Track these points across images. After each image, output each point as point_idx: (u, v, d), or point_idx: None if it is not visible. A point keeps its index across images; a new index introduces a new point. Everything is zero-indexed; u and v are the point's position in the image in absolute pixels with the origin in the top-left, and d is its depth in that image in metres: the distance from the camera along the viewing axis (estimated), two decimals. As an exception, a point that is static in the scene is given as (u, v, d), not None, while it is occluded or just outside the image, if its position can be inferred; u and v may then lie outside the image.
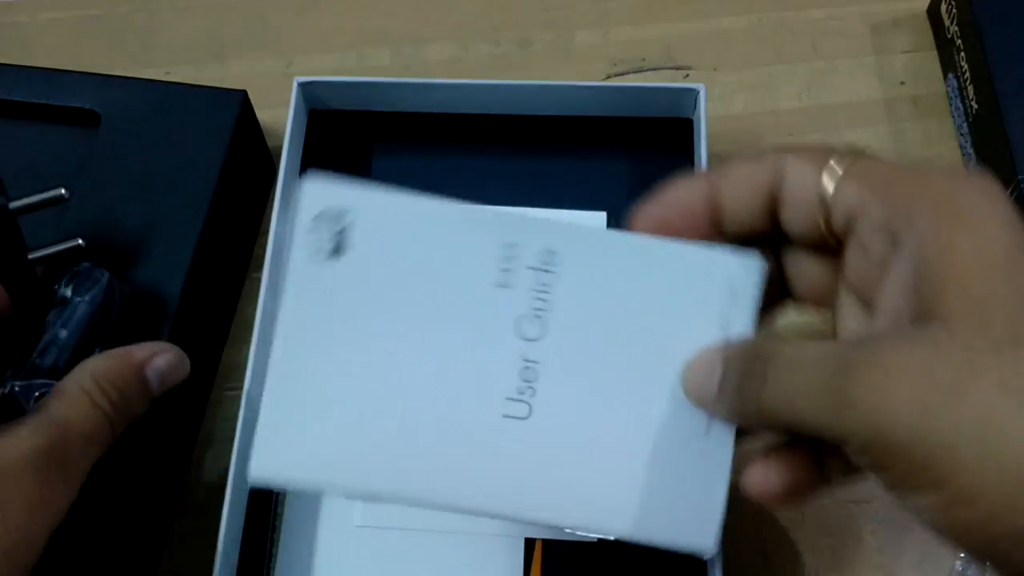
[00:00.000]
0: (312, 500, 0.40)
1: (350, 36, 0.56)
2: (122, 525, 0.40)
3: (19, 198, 0.42)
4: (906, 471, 0.24)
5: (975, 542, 0.24)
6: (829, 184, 0.28)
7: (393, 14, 0.56)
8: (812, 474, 0.30)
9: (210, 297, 0.46)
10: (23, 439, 0.30)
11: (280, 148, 0.45)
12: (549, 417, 0.29)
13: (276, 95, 0.50)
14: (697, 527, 0.30)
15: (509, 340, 0.29)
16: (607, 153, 0.47)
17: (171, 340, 0.40)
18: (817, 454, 0.30)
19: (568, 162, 0.47)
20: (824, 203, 0.28)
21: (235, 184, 0.47)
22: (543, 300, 0.29)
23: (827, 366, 0.26)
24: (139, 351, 0.34)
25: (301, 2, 0.57)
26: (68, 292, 0.41)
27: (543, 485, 0.29)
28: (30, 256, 0.42)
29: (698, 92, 0.47)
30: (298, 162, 0.47)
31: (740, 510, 0.44)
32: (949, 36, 0.52)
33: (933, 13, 0.54)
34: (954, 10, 0.51)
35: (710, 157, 0.47)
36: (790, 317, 0.33)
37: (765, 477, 0.30)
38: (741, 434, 0.30)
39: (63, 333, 0.40)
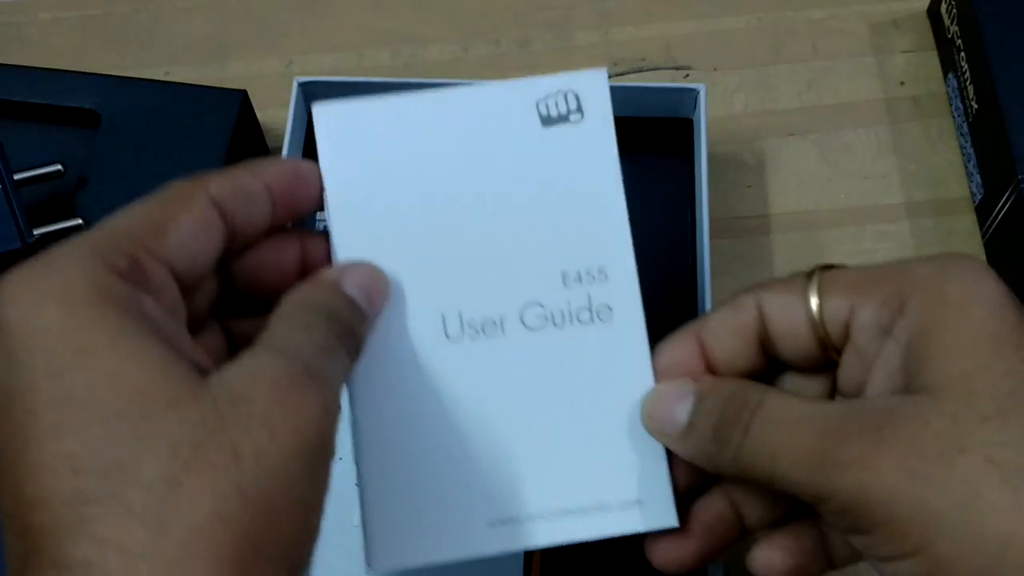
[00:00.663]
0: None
1: (350, 36, 0.56)
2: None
3: (19, 171, 0.43)
4: (887, 535, 0.24)
5: None
6: (814, 305, 0.28)
7: (393, 14, 0.56)
8: (817, 556, 0.30)
9: (210, 297, 0.46)
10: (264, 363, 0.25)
11: (280, 148, 0.45)
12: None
13: (276, 95, 0.50)
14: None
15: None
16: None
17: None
18: (821, 534, 0.30)
19: (568, 162, 0.47)
20: (815, 324, 0.28)
21: (235, 184, 0.47)
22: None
23: (815, 427, 0.26)
24: (328, 273, 0.29)
25: (301, 2, 0.57)
26: None
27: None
28: (34, 232, 0.43)
29: (698, 92, 0.47)
30: (298, 162, 0.47)
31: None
32: (949, 36, 0.52)
33: (933, 13, 0.54)
34: (954, 10, 0.51)
35: (710, 157, 0.47)
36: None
37: (769, 558, 0.30)
38: (704, 476, 0.30)
39: None
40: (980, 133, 0.48)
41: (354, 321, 0.28)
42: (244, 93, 0.47)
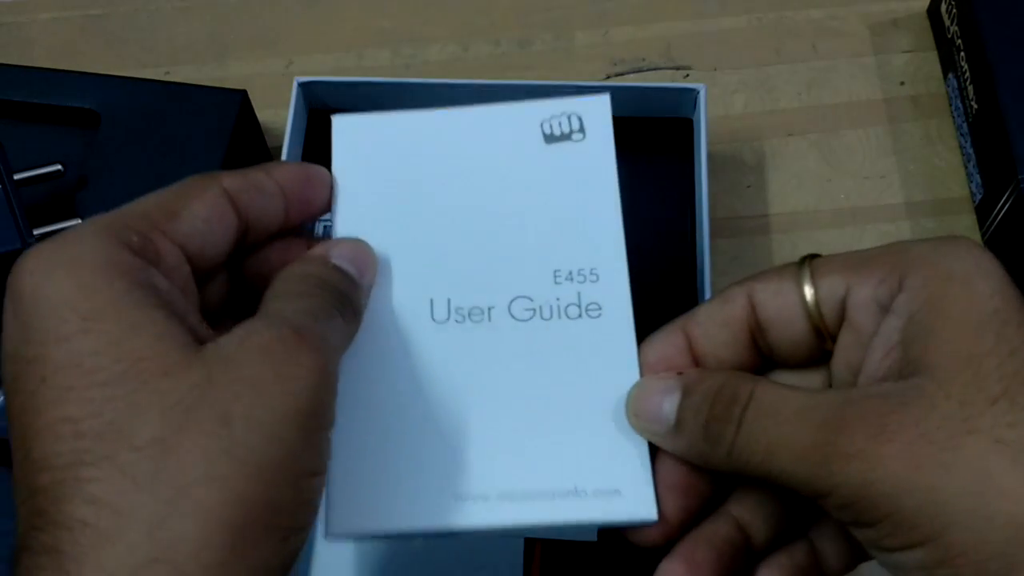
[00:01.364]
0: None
1: (350, 36, 0.56)
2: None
3: (19, 171, 0.43)
4: (894, 527, 0.24)
5: None
6: (808, 288, 0.28)
7: (393, 14, 0.56)
8: (810, 571, 0.29)
9: (210, 297, 0.46)
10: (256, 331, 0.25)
11: (280, 148, 0.45)
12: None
13: (276, 95, 0.50)
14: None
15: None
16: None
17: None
18: (813, 550, 0.29)
19: (568, 162, 0.47)
20: (809, 309, 0.28)
21: (235, 184, 0.47)
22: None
23: (813, 418, 0.25)
24: (316, 248, 0.30)
25: (301, 2, 0.57)
26: None
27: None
28: (33, 233, 0.43)
29: (698, 92, 0.47)
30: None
31: (740, 510, 0.44)
32: (949, 36, 0.52)
33: (933, 13, 0.54)
34: (954, 10, 0.51)
35: (710, 157, 0.47)
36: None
37: None
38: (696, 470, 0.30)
39: None
40: (980, 133, 0.48)
41: (346, 287, 0.29)
42: (244, 93, 0.47)
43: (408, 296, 0.31)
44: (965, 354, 0.24)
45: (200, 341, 0.25)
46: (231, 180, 0.29)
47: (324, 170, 0.32)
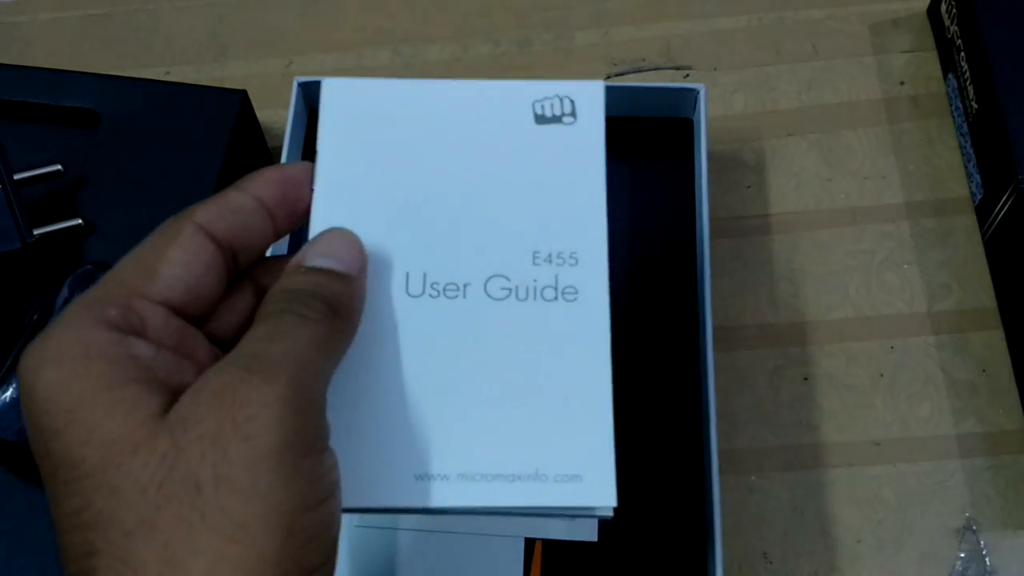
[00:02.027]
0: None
1: (350, 36, 0.56)
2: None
3: (19, 171, 0.43)
4: None
5: None
6: None
7: (393, 14, 0.56)
8: None
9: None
10: (267, 421, 0.24)
11: (280, 148, 0.45)
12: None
13: (276, 95, 0.50)
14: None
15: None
16: (607, 153, 0.47)
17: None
18: None
19: (568, 162, 0.47)
20: None
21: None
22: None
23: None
24: (292, 259, 0.30)
25: (301, 2, 0.57)
26: (70, 293, 0.42)
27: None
28: (33, 233, 0.43)
29: (698, 92, 0.47)
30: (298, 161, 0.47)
31: (740, 511, 0.44)
32: (949, 36, 0.52)
33: (933, 13, 0.54)
34: (954, 10, 0.51)
35: (710, 157, 0.47)
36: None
37: None
38: None
39: None
40: (980, 133, 0.48)
41: (326, 287, 0.28)
42: (244, 93, 0.47)
43: (384, 268, 0.31)
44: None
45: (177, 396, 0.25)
46: (205, 212, 0.28)
47: (303, 166, 0.31)
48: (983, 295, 0.48)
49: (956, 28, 0.51)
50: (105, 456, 0.24)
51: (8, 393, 0.40)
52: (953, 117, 0.52)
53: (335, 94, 0.33)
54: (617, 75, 0.54)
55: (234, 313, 0.29)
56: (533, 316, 0.31)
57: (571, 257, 0.31)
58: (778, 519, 0.44)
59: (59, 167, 0.45)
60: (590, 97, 0.33)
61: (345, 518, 0.40)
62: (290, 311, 0.27)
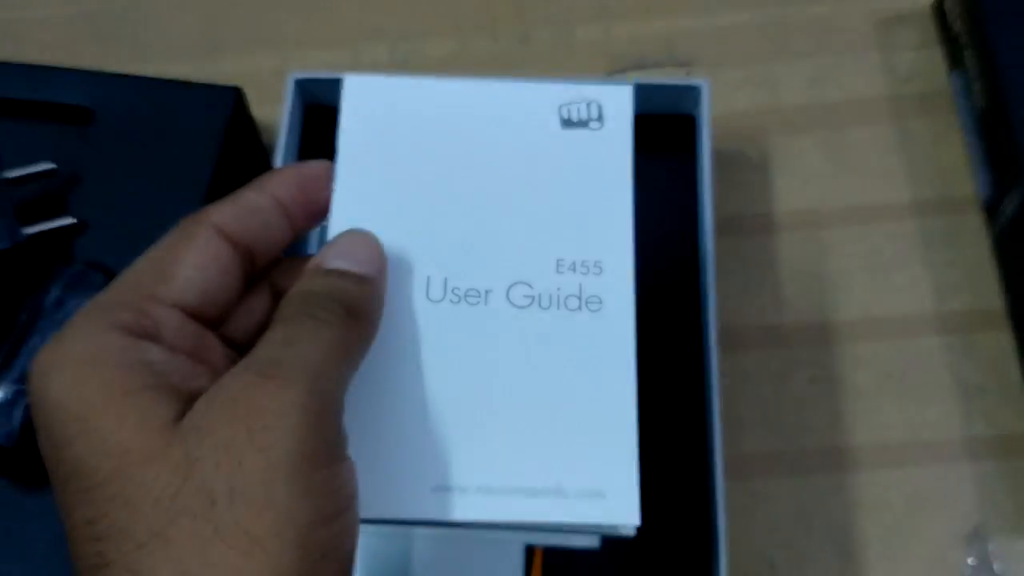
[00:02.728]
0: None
1: (346, 31, 0.55)
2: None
3: (10, 169, 0.43)
4: None
5: None
6: None
7: (390, 9, 0.56)
8: None
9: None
10: (284, 432, 0.23)
11: (275, 145, 0.45)
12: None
13: (271, 91, 0.49)
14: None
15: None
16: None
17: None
18: None
19: (569, 160, 0.47)
20: None
21: (230, 181, 0.46)
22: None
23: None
24: (311, 261, 0.29)
25: (297, -2, 0.56)
26: (60, 293, 0.41)
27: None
28: (24, 231, 0.42)
29: (700, 88, 0.46)
30: (294, 159, 0.46)
31: (746, 516, 0.43)
32: (955, 32, 0.51)
33: (938, 9, 0.53)
34: (959, 6, 0.51)
35: (713, 154, 0.47)
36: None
37: None
38: None
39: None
40: (987, 130, 0.48)
41: (345, 289, 0.27)
42: (239, 90, 0.47)
43: (404, 272, 0.30)
44: None
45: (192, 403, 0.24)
46: (221, 213, 0.28)
47: (321, 164, 0.30)
48: (991, 295, 0.47)
49: (962, 24, 0.50)
50: (118, 466, 0.23)
51: None
52: (959, 114, 0.51)
53: (356, 91, 0.32)
54: (619, 71, 0.53)
55: (251, 316, 0.29)
56: (556, 325, 0.30)
57: (596, 266, 0.30)
58: (784, 525, 0.43)
59: (52, 165, 0.44)
60: (618, 102, 0.32)
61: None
62: (308, 314, 0.26)
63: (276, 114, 0.46)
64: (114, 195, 0.45)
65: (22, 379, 0.39)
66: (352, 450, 0.26)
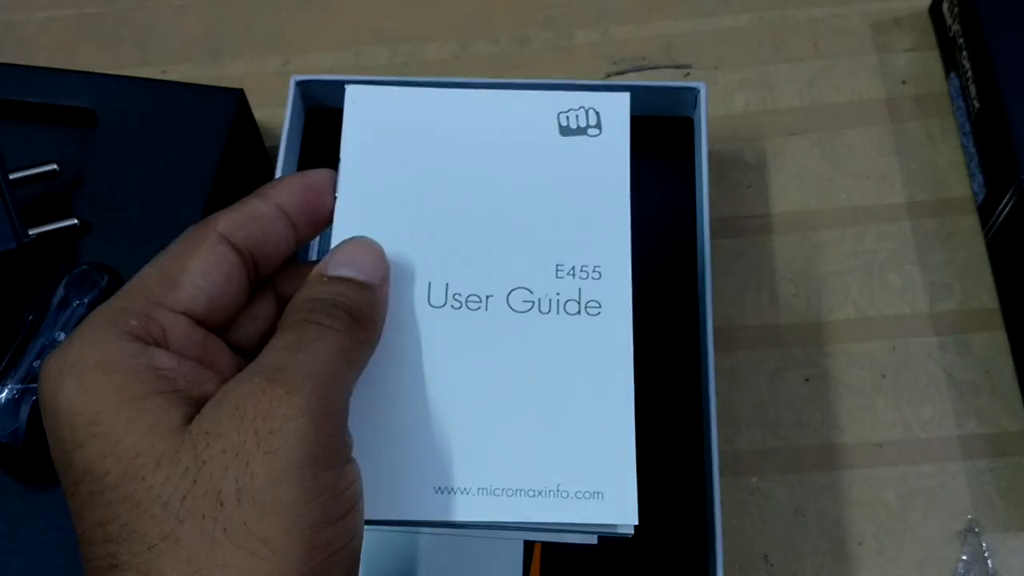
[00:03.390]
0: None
1: (347, 34, 0.55)
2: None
3: (14, 170, 0.43)
4: None
5: None
6: None
7: (391, 12, 0.56)
8: None
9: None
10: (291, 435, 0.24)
11: (277, 147, 0.45)
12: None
13: (273, 94, 0.49)
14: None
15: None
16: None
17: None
18: None
19: (567, 161, 0.47)
20: None
21: (232, 183, 0.46)
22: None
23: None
24: (314, 268, 0.29)
25: (298, 1, 0.56)
26: (66, 294, 0.41)
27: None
28: (29, 232, 0.43)
29: (699, 91, 0.46)
30: (295, 161, 0.47)
31: (741, 514, 0.44)
32: (951, 35, 0.51)
33: (935, 11, 0.54)
34: (956, 8, 0.51)
35: (710, 156, 0.47)
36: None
37: None
38: None
39: (61, 336, 0.40)
40: (982, 132, 0.48)
41: (348, 296, 0.28)
42: (241, 92, 0.47)
43: (406, 278, 0.31)
44: None
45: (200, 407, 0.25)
46: (226, 221, 0.28)
47: (324, 173, 0.31)
48: (985, 295, 0.48)
49: (958, 27, 0.50)
50: (128, 470, 0.24)
51: (3, 394, 0.39)
52: (955, 116, 0.51)
53: (358, 100, 0.33)
54: (617, 73, 0.54)
55: (256, 321, 0.29)
56: (556, 330, 0.30)
57: (595, 271, 0.31)
58: (779, 521, 0.44)
59: (55, 166, 0.44)
60: (616, 109, 0.33)
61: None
62: (312, 321, 0.27)
63: (278, 116, 0.46)
64: (117, 196, 0.45)
65: (28, 378, 0.40)
66: (356, 453, 0.27)
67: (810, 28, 0.54)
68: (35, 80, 0.47)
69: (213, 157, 0.45)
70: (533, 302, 0.31)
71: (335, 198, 0.31)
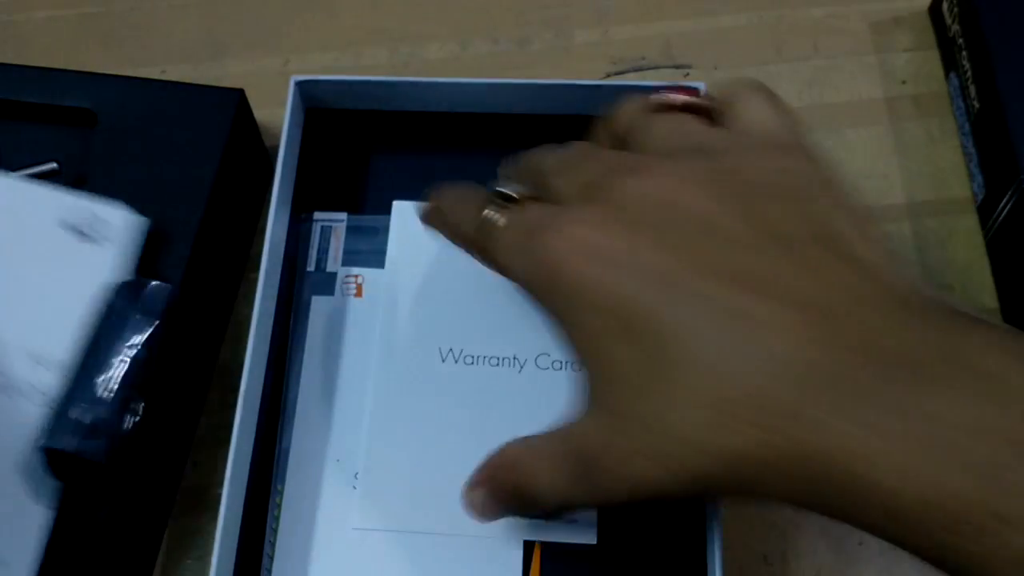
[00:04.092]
0: (309, 502, 0.40)
1: (348, 34, 0.55)
2: (116, 528, 0.39)
3: (15, 169, 0.43)
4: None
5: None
6: None
7: (391, 12, 0.56)
8: None
9: (206, 297, 0.46)
10: None
11: (277, 147, 0.45)
12: None
13: (273, 94, 0.49)
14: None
15: None
16: (606, 152, 0.47)
17: (166, 341, 0.40)
18: None
19: (567, 161, 0.47)
20: None
21: (232, 183, 0.46)
22: None
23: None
24: None
25: (298, 1, 0.56)
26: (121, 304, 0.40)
27: None
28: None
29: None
30: (295, 161, 0.47)
31: (740, 512, 0.44)
32: (950, 35, 0.51)
33: (934, 11, 0.54)
34: (956, 8, 0.51)
35: (710, 156, 0.47)
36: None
37: None
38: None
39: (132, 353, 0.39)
40: (982, 132, 0.48)
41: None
42: (241, 92, 0.47)
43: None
44: None
45: None
46: None
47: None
48: (985, 296, 0.48)
49: (958, 27, 0.51)
50: None
51: (77, 412, 0.38)
52: (955, 116, 0.51)
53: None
54: (617, 74, 0.54)
55: None
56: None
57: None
58: (778, 519, 0.44)
59: (55, 165, 0.44)
60: None
61: (343, 521, 0.40)
62: None
63: (278, 116, 0.46)
64: (117, 197, 0.45)
65: (109, 390, 0.39)
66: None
67: (809, 28, 0.54)
68: (35, 80, 0.47)
69: (213, 157, 0.45)
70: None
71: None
